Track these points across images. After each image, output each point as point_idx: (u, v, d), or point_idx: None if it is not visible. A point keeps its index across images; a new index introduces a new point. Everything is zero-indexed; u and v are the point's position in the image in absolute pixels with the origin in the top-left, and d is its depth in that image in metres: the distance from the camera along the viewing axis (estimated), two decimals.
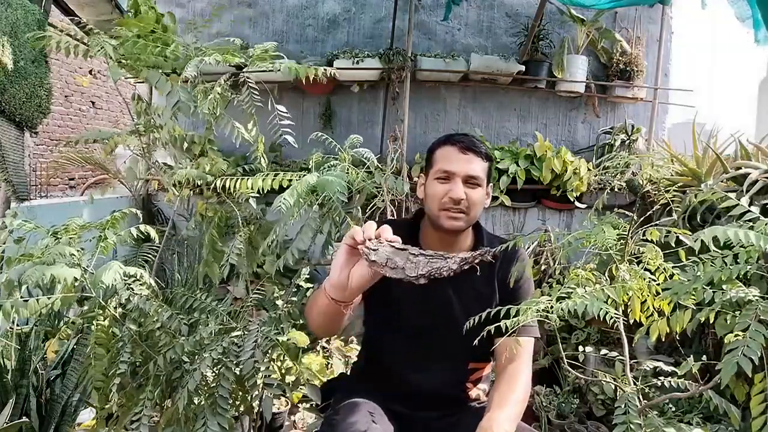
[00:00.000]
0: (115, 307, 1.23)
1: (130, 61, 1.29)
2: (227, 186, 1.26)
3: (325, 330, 1.25)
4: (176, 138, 1.38)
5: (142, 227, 1.24)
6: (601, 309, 0.97)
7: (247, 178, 1.23)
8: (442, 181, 1.33)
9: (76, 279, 1.05)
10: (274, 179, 1.22)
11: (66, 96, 7.57)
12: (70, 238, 1.14)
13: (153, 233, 1.22)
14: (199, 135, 1.45)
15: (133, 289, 1.21)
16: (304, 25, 3.91)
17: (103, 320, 1.23)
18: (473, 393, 1.41)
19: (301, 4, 3.90)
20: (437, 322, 1.34)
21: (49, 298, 1.06)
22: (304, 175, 1.22)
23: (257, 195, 1.37)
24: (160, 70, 1.33)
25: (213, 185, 1.29)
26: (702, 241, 0.93)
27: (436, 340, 1.35)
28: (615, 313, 1.00)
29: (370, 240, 1.03)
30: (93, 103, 8.26)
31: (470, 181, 1.32)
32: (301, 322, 1.31)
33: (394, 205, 2.16)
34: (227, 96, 1.39)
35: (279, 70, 1.33)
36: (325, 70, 1.38)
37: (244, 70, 1.46)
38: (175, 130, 1.37)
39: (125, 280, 1.21)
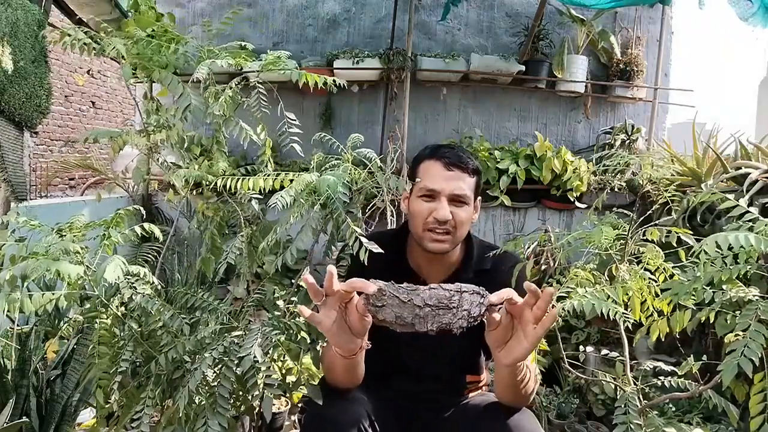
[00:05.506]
0: (118, 306, 1.23)
1: (143, 61, 1.30)
2: (228, 185, 1.26)
3: (358, 379, 1.19)
4: (184, 139, 1.39)
5: (147, 226, 1.24)
6: (611, 309, 0.97)
7: (249, 178, 1.23)
8: (426, 199, 1.26)
9: (80, 276, 1.06)
10: (275, 179, 1.22)
11: (66, 96, 7.57)
12: (74, 235, 1.14)
13: (158, 232, 1.22)
14: (207, 137, 1.46)
15: (135, 288, 1.21)
16: (304, 25, 3.92)
17: (106, 318, 1.23)
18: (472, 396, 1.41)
19: (301, 4, 3.90)
20: (431, 355, 1.32)
21: (53, 294, 1.06)
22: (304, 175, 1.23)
23: (259, 196, 1.38)
24: (170, 71, 1.33)
25: (213, 185, 1.30)
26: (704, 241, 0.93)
27: (433, 364, 1.34)
28: (624, 313, 1.00)
29: (367, 297, 0.96)
30: (93, 103, 8.26)
31: (456, 200, 1.25)
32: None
33: (394, 206, 2.16)
34: (238, 99, 1.39)
35: (290, 78, 1.33)
36: (333, 80, 1.38)
37: (246, 71, 1.47)
38: (183, 131, 1.38)
39: (128, 279, 1.21)
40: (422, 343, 1.14)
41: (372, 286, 0.96)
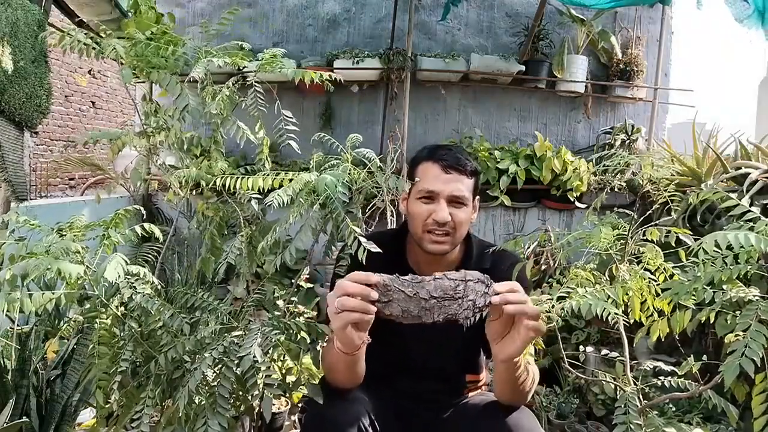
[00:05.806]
0: (118, 306, 1.23)
1: (141, 63, 1.29)
2: (228, 185, 1.26)
3: (359, 378, 1.19)
4: (183, 139, 1.38)
5: (147, 226, 1.24)
6: (605, 309, 0.97)
7: (248, 178, 1.23)
8: (425, 201, 1.26)
9: (80, 275, 1.06)
10: (274, 179, 1.22)
11: (66, 96, 7.58)
12: (75, 235, 1.14)
13: (158, 232, 1.22)
14: (207, 137, 1.46)
15: (135, 288, 1.21)
16: (304, 25, 3.92)
17: (106, 318, 1.23)
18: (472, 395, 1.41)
19: (301, 4, 3.90)
20: (437, 348, 1.33)
21: (53, 293, 1.06)
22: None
23: (259, 196, 1.38)
24: (168, 72, 1.33)
25: (213, 184, 1.30)
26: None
27: (438, 357, 1.34)
28: (618, 314, 0.99)
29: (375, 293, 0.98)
30: (93, 103, 8.27)
31: (455, 201, 1.26)
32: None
33: (394, 205, 2.16)
34: (235, 98, 1.39)
35: (287, 76, 1.33)
36: (329, 75, 1.38)
37: (244, 71, 1.46)
38: (181, 132, 1.37)
39: (128, 279, 1.21)
40: (429, 335, 1.15)
41: (375, 276, 0.98)
